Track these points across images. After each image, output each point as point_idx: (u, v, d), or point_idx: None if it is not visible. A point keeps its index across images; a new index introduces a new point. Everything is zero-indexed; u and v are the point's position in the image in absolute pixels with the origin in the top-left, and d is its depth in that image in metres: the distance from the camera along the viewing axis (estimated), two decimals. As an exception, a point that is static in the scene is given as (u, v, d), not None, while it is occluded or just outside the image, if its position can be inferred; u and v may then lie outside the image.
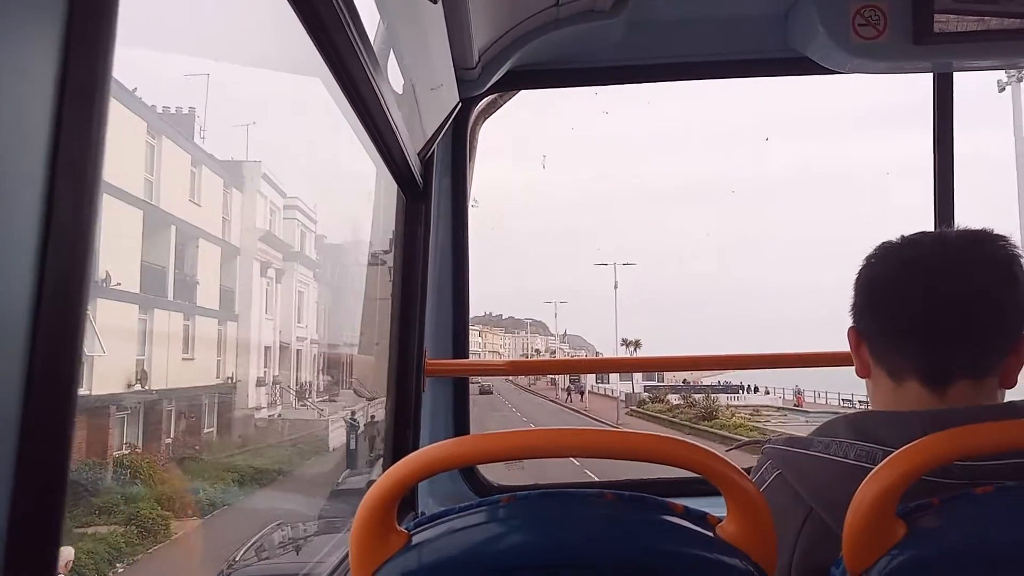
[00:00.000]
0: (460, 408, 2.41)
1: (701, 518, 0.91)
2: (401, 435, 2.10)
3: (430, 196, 2.15)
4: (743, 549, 0.88)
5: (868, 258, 1.17)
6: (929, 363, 1.08)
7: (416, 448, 2.01)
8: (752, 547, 0.88)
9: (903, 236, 1.16)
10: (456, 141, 2.36)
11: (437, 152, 2.17)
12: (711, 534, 0.90)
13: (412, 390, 2.12)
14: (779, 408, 31.41)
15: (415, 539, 0.91)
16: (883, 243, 1.17)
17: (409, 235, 2.13)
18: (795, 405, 31.53)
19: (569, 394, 33.63)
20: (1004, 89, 20.86)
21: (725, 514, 0.91)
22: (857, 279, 1.17)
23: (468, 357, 2.44)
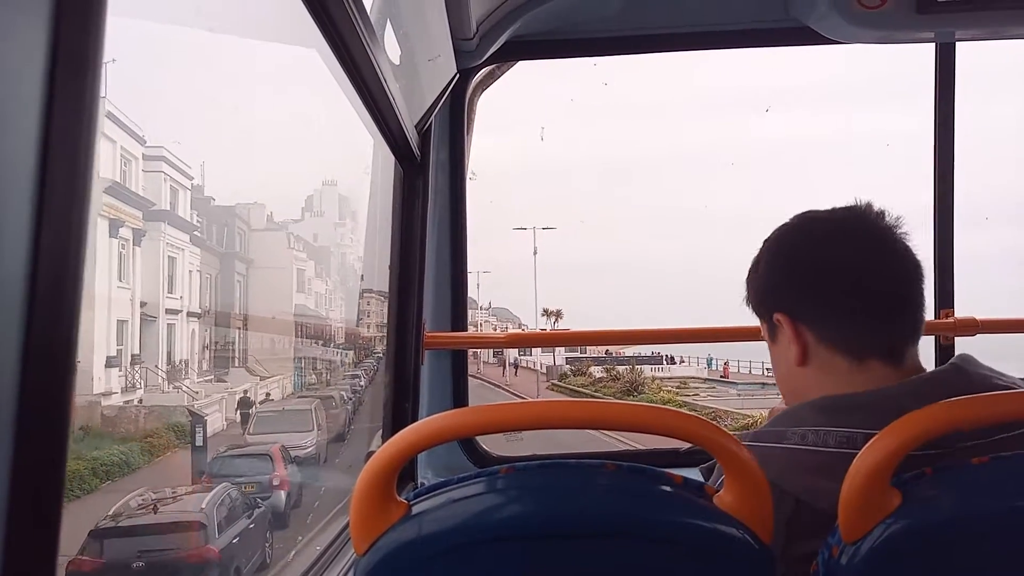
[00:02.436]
0: (459, 381, 2.42)
1: (699, 488, 0.92)
2: (400, 407, 2.11)
3: (428, 168, 2.13)
4: (740, 518, 0.89)
5: (776, 242, 1.14)
6: (890, 337, 1.08)
7: (415, 420, 2.03)
8: (749, 516, 0.89)
9: (804, 214, 1.15)
10: (454, 112, 2.34)
11: (434, 124, 2.15)
12: (709, 504, 0.91)
13: (411, 363, 2.13)
14: (706, 380, 29.45)
15: (415, 509, 0.92)
16: (789, 223, 1.14)
17: (407, 208, 2.11)
18: (722, 376, 29.59)
19: (504, 367, 32.13)
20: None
21: (723, 485, 0.91)
22: (773, 260, 1.14)
23: (467, 330, 2.45)
